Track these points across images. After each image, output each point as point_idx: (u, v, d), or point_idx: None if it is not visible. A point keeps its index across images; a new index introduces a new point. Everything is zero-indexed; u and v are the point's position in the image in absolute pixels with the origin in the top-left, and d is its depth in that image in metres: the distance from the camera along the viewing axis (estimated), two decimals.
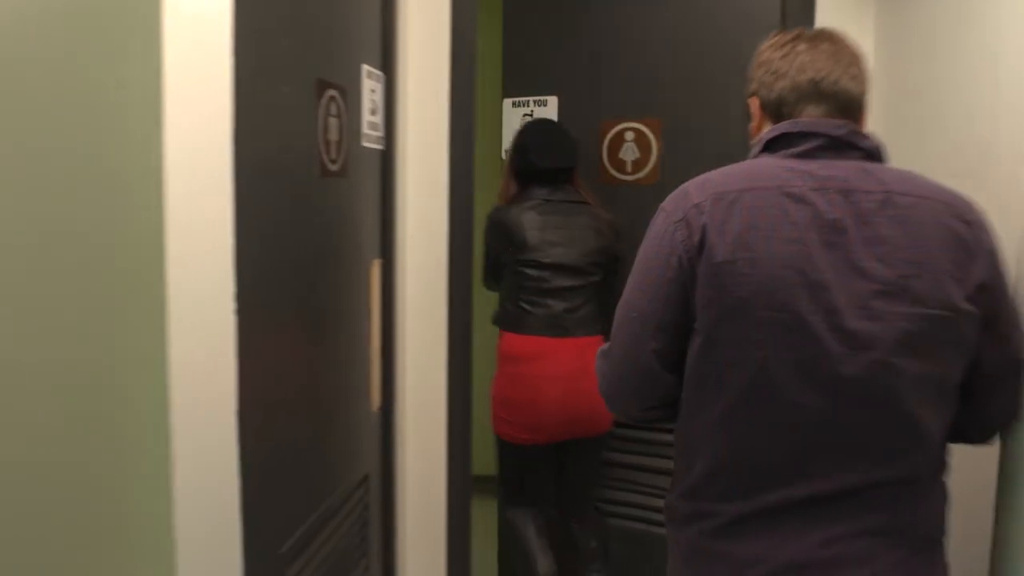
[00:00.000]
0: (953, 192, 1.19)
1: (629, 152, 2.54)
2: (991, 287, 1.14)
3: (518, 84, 2.67)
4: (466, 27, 2.28)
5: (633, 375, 1.24)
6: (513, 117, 2.70)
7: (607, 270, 2.54)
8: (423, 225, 2.30)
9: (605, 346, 1.32)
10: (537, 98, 2.65)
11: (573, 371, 2.43)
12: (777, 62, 1.29)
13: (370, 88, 1.99)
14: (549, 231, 2.47)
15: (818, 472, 1.13)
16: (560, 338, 2.44)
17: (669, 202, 1.25)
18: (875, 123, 2.10)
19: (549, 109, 2.64)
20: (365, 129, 1.97)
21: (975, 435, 1.26)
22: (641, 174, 2.55)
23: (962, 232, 1.14)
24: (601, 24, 2.55)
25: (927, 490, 1.18)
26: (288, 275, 1.48)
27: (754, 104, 1.33)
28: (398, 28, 2.14)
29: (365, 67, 1.95)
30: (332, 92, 1.70)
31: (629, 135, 2.55)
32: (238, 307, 1.22)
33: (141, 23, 0.98)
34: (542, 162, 2.53)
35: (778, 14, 2.25)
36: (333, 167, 1.71)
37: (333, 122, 1.70)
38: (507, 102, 2.72)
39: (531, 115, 2.68)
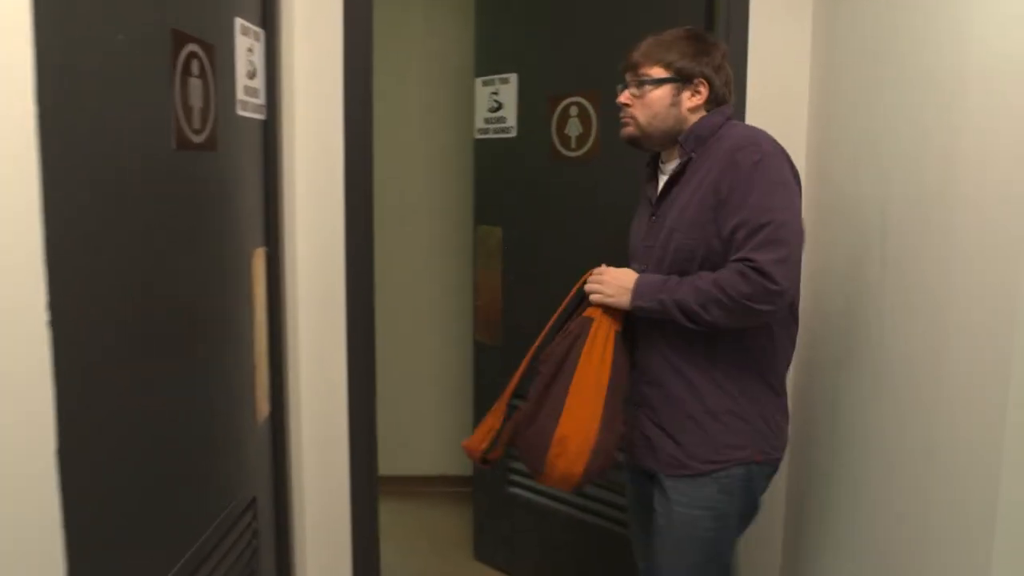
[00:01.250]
0: None
1: (573, 127, 2.39)
2: None
3: (487, 64, 2.64)
4: None
5: (798, 276, 1.52)
6: (483, 95, 2.65)
7: None
8: (316, 207, 2.02)
9: (777, 254, 1.44)
10: (501, 76, 2.57)
11: None
12: (728, 75, 1.65)
13: (246, 46, 1.70)
14: None
15: None
16: None
17: (770, 144, 1.53)
18: (815, 113, 1.96)
19: (510, 86, 2.55)
20: (241, 95, 1.68)
21: None
22: (583, 150, 2.39)
23: None
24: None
25: None
26: (132, 270, 1.20)
27: (705, 88, 1.61)
28: None
29: (239, 21, 1.65)
30: (193, 47, 1.40)
31: (573, 110, 2.41)
32: (54, 317, 0.94)
33: None
34: None
35: None
36: (196, 139, 1.42)
37: (195, 84, 1.41)
38: (477, 82, 2.67)
39: (496, 93, 2.58)
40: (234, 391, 1.66)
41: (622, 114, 1.64)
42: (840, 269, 1.80)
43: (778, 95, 2.03)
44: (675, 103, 1.60)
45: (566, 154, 2.44)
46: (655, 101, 1.60)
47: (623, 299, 1.56)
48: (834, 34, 1.90)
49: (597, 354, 1.55)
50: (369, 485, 2.12)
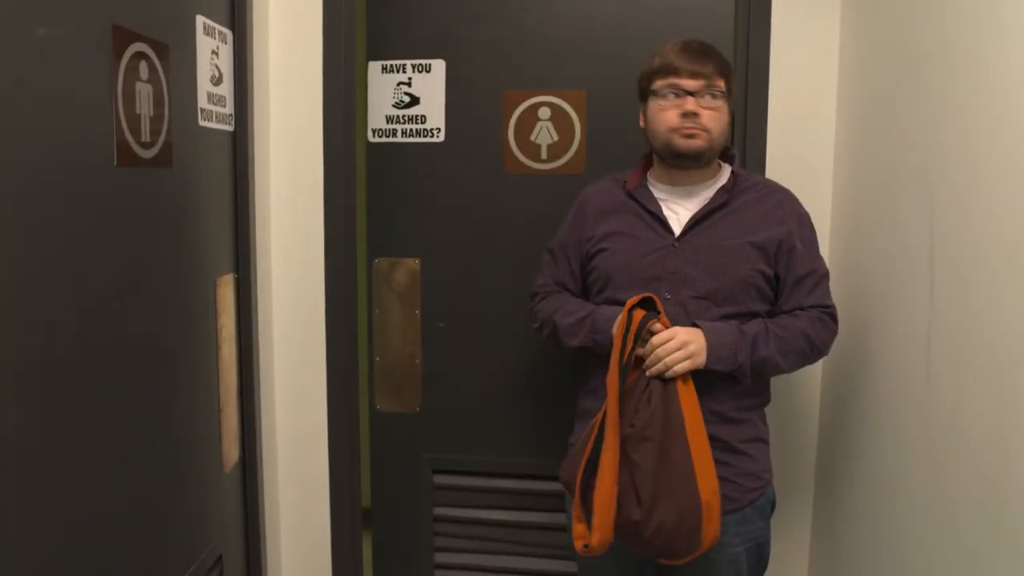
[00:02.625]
0: None
1: (544, 134, 2.01)
2: None
3: (389, 43, 2.02)
4: None
5: None
6: (383, 87, 2.03)
7: None
8: (292, 228, 1.83)
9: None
10: (417, 62, 2.01)
11: None
12: None
13: (209, 48, 1.51)
14: None
15: None
16: None
17: None
18: (844, 116, 1.78)
19: (434, 76, 2.01)
20: (204, 103, 1.48)
21: None
22: (560, 162, 2.02)
23: None
24: None
25: None
26: (62, 308, 1.00)
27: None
28: None
29: (201, 19, 1.47)
30: (141, 47, 1.21)
31: (544, 112, 1.99)
32: None
33: None
34: None
35: None
36: (145, 153, 1.22)
37: (144, 90, 1.22)
38: (374, 67, 2.04)
39: (408, 83, 2.02)
40: (196, 436, 1.46)
41: (691, 124, 1.48)
42: (878, 300, 1.61)
43: (802, 105, 1.83)
44: (729, 122, 1.54)
45: (533, 167, 1.99)
46: (724, 117, 1.51)
47: (701, 360, 1.43)
48: (867, 32, 1.73)
49: (692, 409, 1.42)
50: (352, 538, 1.91)
